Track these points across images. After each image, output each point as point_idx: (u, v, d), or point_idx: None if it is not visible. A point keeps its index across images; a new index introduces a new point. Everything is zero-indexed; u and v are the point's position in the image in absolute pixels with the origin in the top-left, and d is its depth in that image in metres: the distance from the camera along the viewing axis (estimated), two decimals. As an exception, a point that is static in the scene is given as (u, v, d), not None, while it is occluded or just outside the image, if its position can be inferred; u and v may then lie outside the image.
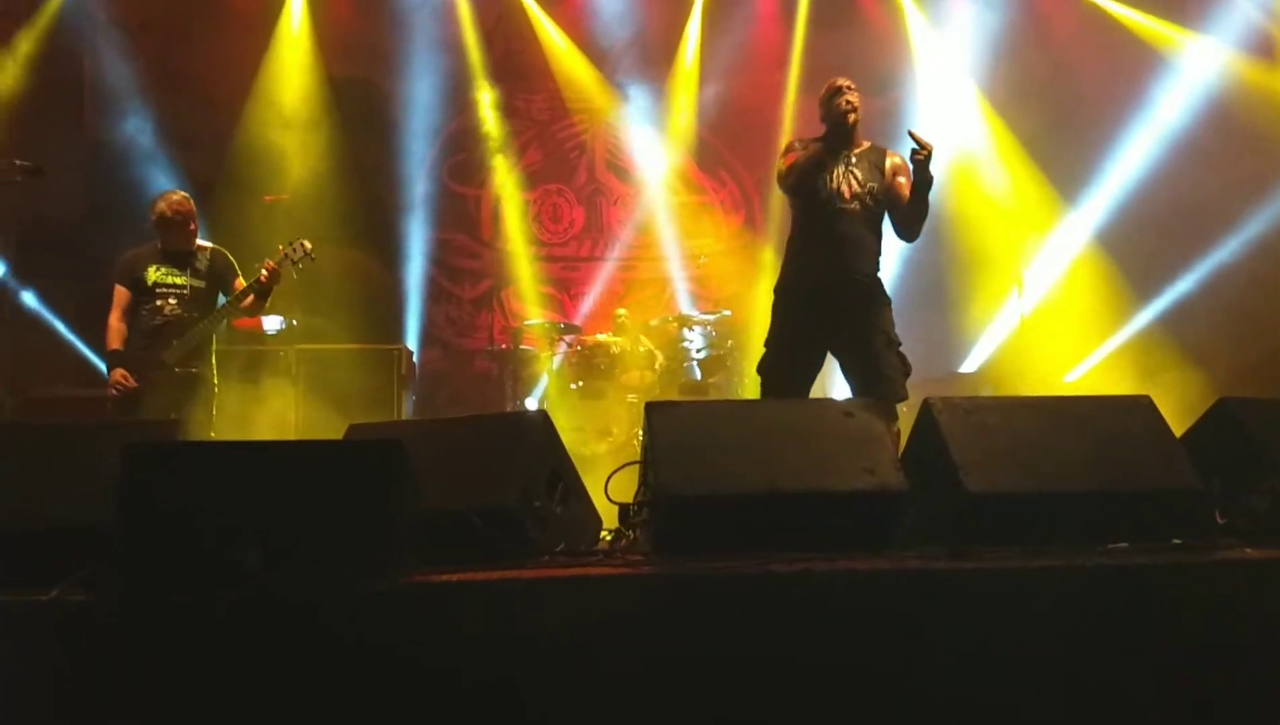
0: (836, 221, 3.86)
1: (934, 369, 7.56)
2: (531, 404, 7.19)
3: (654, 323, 7.40)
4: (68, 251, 6.76)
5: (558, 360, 7.24)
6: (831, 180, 3.88)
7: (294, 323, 6.51)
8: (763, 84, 8.63)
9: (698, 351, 7.19)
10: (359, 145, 8.07)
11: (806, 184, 3.89)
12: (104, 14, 7.58)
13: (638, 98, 8.64)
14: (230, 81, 7.85)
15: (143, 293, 4.53)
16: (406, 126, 8.32)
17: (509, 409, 6.89)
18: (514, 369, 7.20)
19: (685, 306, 8.14)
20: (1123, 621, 2.09)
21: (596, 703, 2.00)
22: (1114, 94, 7.79)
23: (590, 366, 6.90)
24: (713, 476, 2.40)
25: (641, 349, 6.97)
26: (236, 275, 4.71)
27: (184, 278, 4.56)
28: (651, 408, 2.57)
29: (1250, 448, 2.61)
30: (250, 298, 4.55)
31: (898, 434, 3.19)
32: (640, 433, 3.56)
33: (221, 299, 4.65)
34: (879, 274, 3.95)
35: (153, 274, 4.53)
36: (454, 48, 8.39)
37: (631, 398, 6.68)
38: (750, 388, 6.29)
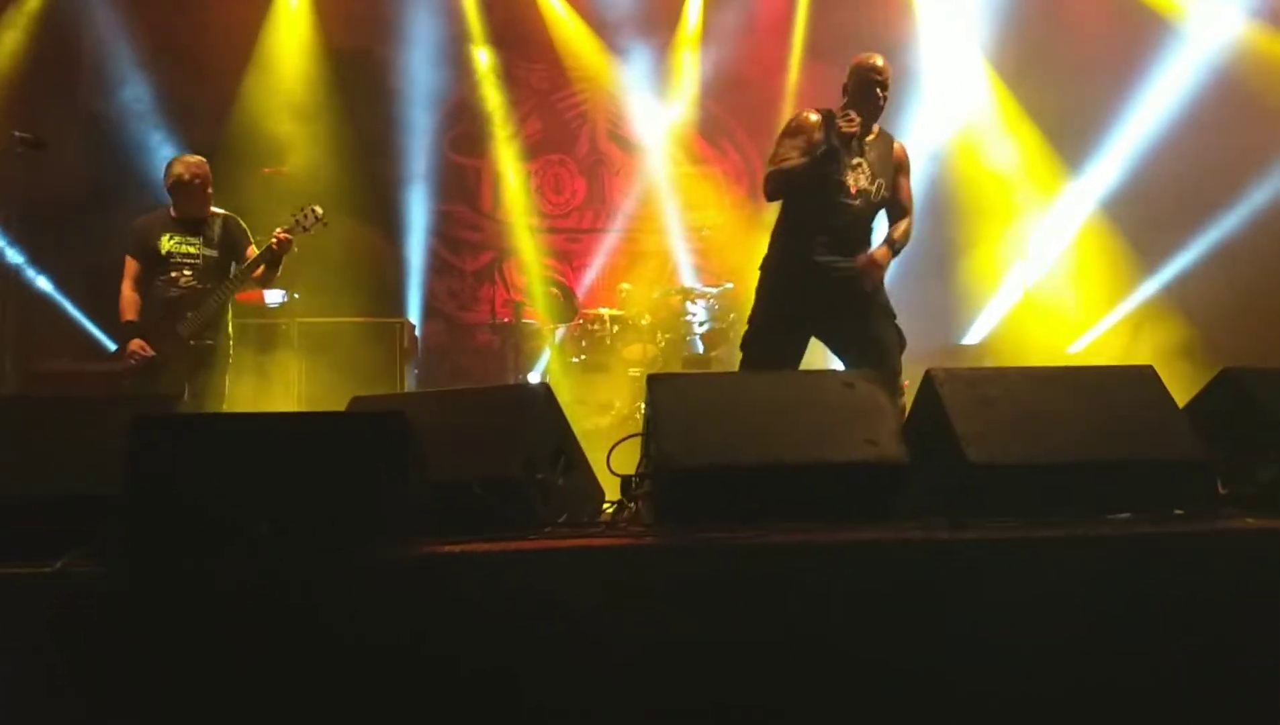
0: (836, 214, 3.70)
1: (937, 340, 7.54)
2: (534, 378, 7.20)
3: (656, 296, 7.38)
4: (68, 224, 6.74)
5: (560, 334, 7.23)
6: (839, 171, 3.67)
7: (295, 296, 6.50)
8: (766, 52, 8.53)
9: (700, 324, 7.17)
10: (359, 116, 8.00)
11: (800, 187, 3.69)
12: (101, -15, 7.51)
13: (639, 66, 8.56)
14: (229, 52, 7.77)
15: (156, 263, 4.45)
16: (407, 97, 8.24)
17: (511, 382, 6.89)
18: (516, 342, 7.20)
19: (688, 279, 8.12)
20: (1124, 591, 2.10)
21: (597, 672, 2.02)
22: (1121, 63, 7.69)
23: (592, 340, 6.89)
24: (714, 448, 2.40)
25: (644, 322, 6.96)
26: (250, 243, 4.65)
27: (198, 247, 4.50)
28: (653, 380, 2.58)
29: (1254, 418, 2.60)
30: (261, 267, 4.51)
31: (903, 408, 3.17)
32: (642, 406, 3.56)
33: (233, 268, 4.61)
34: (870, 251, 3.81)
35: (166, 243, 4.46)
36: (455, 17, 8.31)
37: (634, 371, 6.68)
38: (753, 361, 6.27)
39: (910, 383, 3.36)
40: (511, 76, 8.60)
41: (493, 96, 8.51)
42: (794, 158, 3.72)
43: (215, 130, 7.52)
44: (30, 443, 2.42)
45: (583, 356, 6.93)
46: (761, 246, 4.04)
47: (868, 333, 3.72)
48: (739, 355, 3.98)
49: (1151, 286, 7.41)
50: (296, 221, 4.60)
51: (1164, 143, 7.35)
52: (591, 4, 8.50)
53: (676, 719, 2.02)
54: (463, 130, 8.62)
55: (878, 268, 3.72)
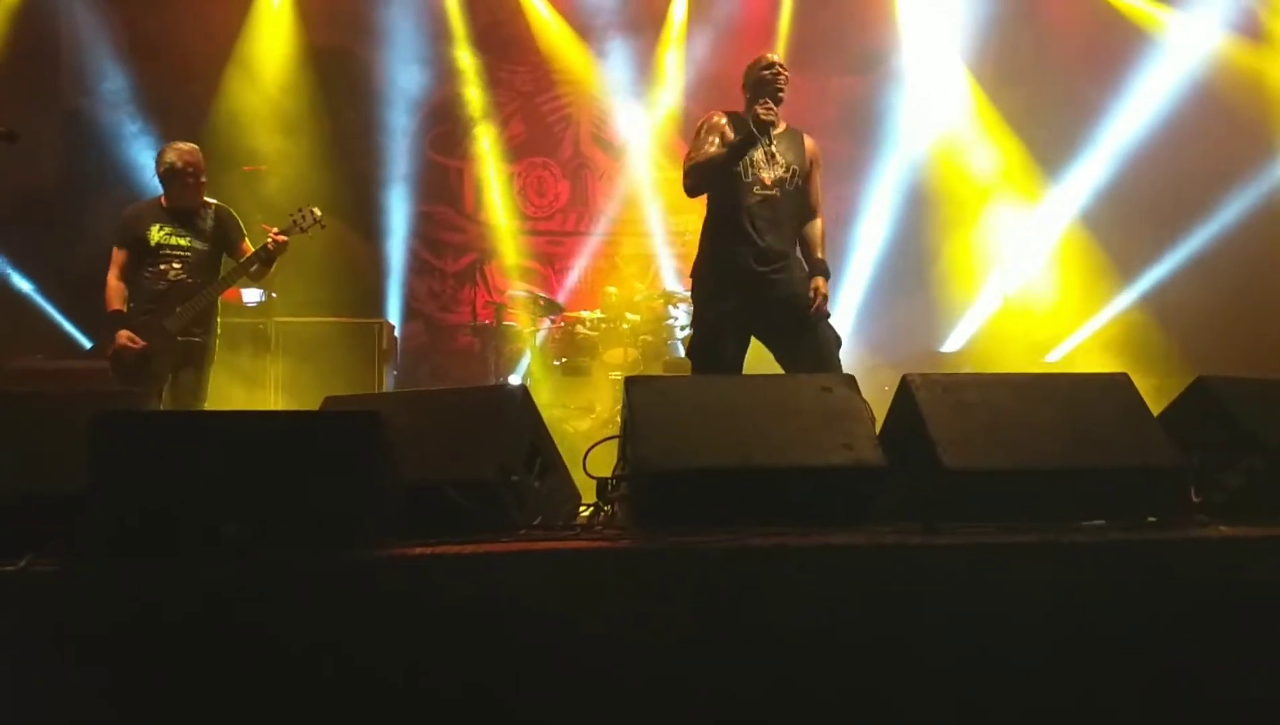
0: (757, 208, 3.75)
1: (916, 348, 7.58)
2: (515, 380, 7.17)
3: (639, 299, 7.37)
4: (42, 221, 6.66)
5: (541, 337, 7.21)
6: (752, 164, 3.76)
7: (273, 296, 6.44)
8: (749, 57, 8.53)
9: (682, 328, 7.15)
10: (340, 115, 7.96)
11: (716, 180, 3.76)
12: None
13: (623, 69, 8.55)
14: (209, 49, 7.70)
15: (145, 254, 4.32)
16: (388, 97, 8.21)
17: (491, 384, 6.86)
18: (497, 345, 7.16)
19: (671, 283, 8.11)
20: (1097, 597, 2.10)
21: (573, 674, 2.00)
22: (1100, 74, 7.78)
23: (573, 343, 6.87)
24: (691, 451, 2.39)
25: (625, 326, 6.95)
26: (242, 236, 4.52)
27: (188, 239, 4.36)
28: (631, 382, 2.56)
29: (1227, 426, 2.62)
30: (256, 266, 4.40)
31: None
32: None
33: (224, 261, 4.50)
34: (797, 253, 3.86)
35: (156, 234, 4.32)
36: (437, 18, 8.28)
37: (615, 375, 6.65)
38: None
39: (888, 389, 3.36)
40: (495, 78, 8.58)
41: (475, 98, 8.48)
42: (712, 151, 3.81)
43: (195, 128, 7.41)
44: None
45: (564, 359, 6.91)
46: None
47: (808, 346, 3.75)
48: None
49: (1129, 296, 7.48)
50: (293, 222, 4.47)
51: (1142, 153, 7.43)
52: (575, 7, 8.49)
53: (651, 724, 2.01)
54: (444, 130, 8.58)
55: (825, 300, 3.79)
